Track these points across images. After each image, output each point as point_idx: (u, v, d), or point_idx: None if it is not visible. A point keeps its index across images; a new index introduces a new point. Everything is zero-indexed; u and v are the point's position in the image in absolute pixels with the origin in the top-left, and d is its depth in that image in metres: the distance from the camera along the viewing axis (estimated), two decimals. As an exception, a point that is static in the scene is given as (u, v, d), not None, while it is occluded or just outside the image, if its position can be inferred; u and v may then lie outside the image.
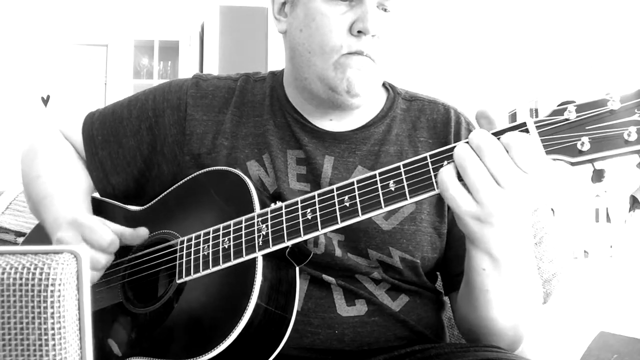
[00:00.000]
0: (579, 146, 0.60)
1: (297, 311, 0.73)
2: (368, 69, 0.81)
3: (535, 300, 0.79)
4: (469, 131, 0.90)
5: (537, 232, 1.18)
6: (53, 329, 0.44)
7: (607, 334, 0.82)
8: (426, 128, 0.91)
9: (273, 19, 0.90)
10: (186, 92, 0.93)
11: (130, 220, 0.90)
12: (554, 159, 0.62)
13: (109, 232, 0.77)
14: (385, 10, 0.81)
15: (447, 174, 0.62)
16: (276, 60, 3.69)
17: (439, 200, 0.85)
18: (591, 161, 0.61)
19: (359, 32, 0.79)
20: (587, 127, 0.60)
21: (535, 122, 0.63)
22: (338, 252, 0.81)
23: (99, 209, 0.91)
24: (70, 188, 0.90)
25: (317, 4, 0.80)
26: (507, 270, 0.70)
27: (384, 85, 0.95)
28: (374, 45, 0.80)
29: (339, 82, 0.81)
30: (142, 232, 0.81)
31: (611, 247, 3.62)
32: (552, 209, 1.25)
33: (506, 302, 0.75)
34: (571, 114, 0.61)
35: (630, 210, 3.72)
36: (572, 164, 0.61)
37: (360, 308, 0.81)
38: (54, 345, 0.44)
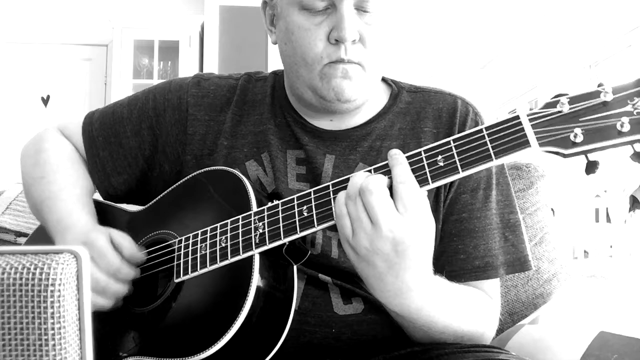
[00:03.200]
0: (572, 138, 0.60)
1: (294, 310, 0.73)
2: (355, 74, 0.80)
3: (453, 317, 0.76)
4: (476, 122, 0.89)
5: (537, 232, 1.18)
6: (53, 329, 0.44)
7: (607, 334, 0.82)
8: (431, 118, 0.89)
9: (267, 31, 0.90)
10: (187, 91, 0.93)
11: (129, 222, 0.90)
12: (547, 151, 0.62)
13: (116, 260, 0.77)
14: (365, 11, 0.79)
15: (342, 196, 0.66)
16: (276, 60, 3.69)
17: (437, 194, 0.85)
18: (584, 153, 0.61)
19: (336, 40, 0.78)
20: (580, 119, 0.61)
21: (528, 115, 0.63)
22: (335, 252, 0.81)
23: (98, 212, 0.90)
24: (73, 190, 0.89)
25: (294, 17, 0.80)
26: (394, 305, 0.70)
27: (386, 81, 0.94)
28: (357, 50, 0.79)
29: (327, 92, 0.80)
30: (138, 257, 0.80)
31: (611, 247, 3.62)
32: (552, 209, 1.24)
33: (413, 328, 0.76)
34: (564, 106, 0.61)
35: (630, 210, 3.72)
36: (565, 155, 0.61)
37: (357, 306, 0.81)
38: (54, 345, 0.44)
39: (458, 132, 0.87)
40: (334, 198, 0.68)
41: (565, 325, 0.90)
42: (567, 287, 1.16)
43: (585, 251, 3.66)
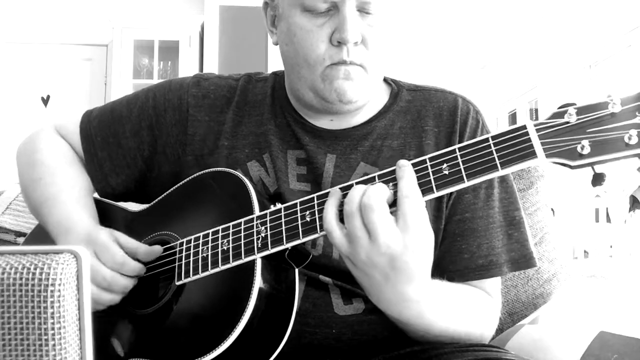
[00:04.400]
0: (579, 149, 0.60)
1: (295, 311, 0.73)
2: (357, 76, 0.80)
3: (451, 321, 0.76)
4: (477, 121, 0.89)
5: (537, 232, 1.18)
6: (53, 329, 0.44)
7: (607, 334, 0.82)
8: (432, 116, 0.89)
9: (268, 31, 0.90)
10: (187, 91, 0.92)
11: (131, 222, 0.90)
12: (554, 163, 0.62)
13: (120, 253, 0.76)
14: (367, 13, 0.79)
15: (330, 212, 0.65)
16: (276, 60, 3.70)
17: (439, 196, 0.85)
18: (591, 164, 0.61)
19: (339, 42, 0.77)
20: (587, 130, 0.60)
21: (536, 125, 0.62)
22: (336, 253, 0.81)
23: (98, 211, 0.90)
24: (72, 191, 0.89)
25: (296, 19, 0.80)
26: (392, 312, 0.71)
27: (386, 80, 0.94)
28: (359, 52, 0.79)
29: (329, 94, 0.80)
30: (157, 250, 0.79)
31: (611, 247, 3.62)
32: (552, 209, 1.25)
33: (412, 331, 0.76)
34: (572, 117, 0.61)
35: (630, 210, 3.72)
36: (572, 167, 0.61)
37: (357, 306, 0.81)
38: (54, 345, 0.44)
39: (459, 130, 0.87)
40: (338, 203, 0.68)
41: (565, 325, 0.90)
42: (567, 287, 1.16)
43: (585, 251, 3.66)
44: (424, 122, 0.88)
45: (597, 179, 0.62)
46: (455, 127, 0.87)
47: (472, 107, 0.90)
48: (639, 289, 1.01)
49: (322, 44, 0.78)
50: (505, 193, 0.87)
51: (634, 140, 0.58)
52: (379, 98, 0.91)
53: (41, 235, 0.91)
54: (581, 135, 0.60)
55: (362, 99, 0.83)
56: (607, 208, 3.75)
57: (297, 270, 0.75)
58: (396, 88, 0.93)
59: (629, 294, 1.01)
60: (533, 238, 1.17)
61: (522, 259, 0.85)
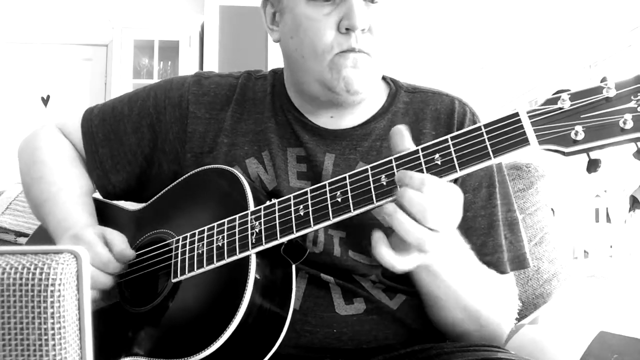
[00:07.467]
0: (572, 135, 0.59)
1: (295, 310, 0.73)
2: (364, 64, 0.80)
3: (491, 305, 0.80)
4: (474, 122, 0.89)
5: (537, 232, 1.18)
6: (53, 329, 0.44)
7: (607, 334, 0.82)
8: (429, 119, 0.89)
9: (267, 30, 0.90)
10: (188, 89, 0.93)
11: (129, 221, 0.90)
12: (547, 150, 0.61)
13: (105, 253, 0.76)
14: (372, 2, 0.80)
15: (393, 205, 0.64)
16: (276, 60, 3.69)
17: None
18: (586, 150, 0.59)
19: (347, 29, 0.78)
20: (581, 116, 0.59)
21: (528, 112, 0.61)
22: (337, 251, 0.81)
23: (98, 211, 0.90)
24: (72, 190, 0.89)
25: (301, 9, 0.80)
26: (452, 262, 0.75)
27: (385, 80, 0.95)
28: (366, 39, 0.80)
29: (336, 83, 0.80)
30: (129, 254, 0.78)
31: (611, 247, 3.62)
32: (552, 209, 1.25)
33: (455, 309, 0.78)
34: (565, 103, 0.60)
35: (630, 210, 3.72)
36: (566, 154, 0.60)
37: (358, 306, 0.82)
38: (54, 345, 0.44)
39: None
40: (331, 197, 0.68)
41: (565, 325, 0.90)
42: (567, 287, 1.16)
43: (585, 251, 3.66)
44: (421, 125, 0.89)
45: (592, 165, 0.61)
46: (452, 130, 0.87)
47: (468, 110, 0.91)
48: (639, 289, 1.01)
49: (329, 31, 0.79)
50: (499, 193, 0.88)
51: (629, 125, 0.57)
52: (377, 96, 0.91)
53: (43, 236, 0.91)
54: (575, 120, 0.59)
55: (367, 89, 0.83)
56: (607, 208, 3.75)
57: (294, 267, 0.74)
58: (394, 88, 0.93)
59: (629, 294, 1.01)
60: (533, 238, 1.17)
61: (516, 260, 0.87)
